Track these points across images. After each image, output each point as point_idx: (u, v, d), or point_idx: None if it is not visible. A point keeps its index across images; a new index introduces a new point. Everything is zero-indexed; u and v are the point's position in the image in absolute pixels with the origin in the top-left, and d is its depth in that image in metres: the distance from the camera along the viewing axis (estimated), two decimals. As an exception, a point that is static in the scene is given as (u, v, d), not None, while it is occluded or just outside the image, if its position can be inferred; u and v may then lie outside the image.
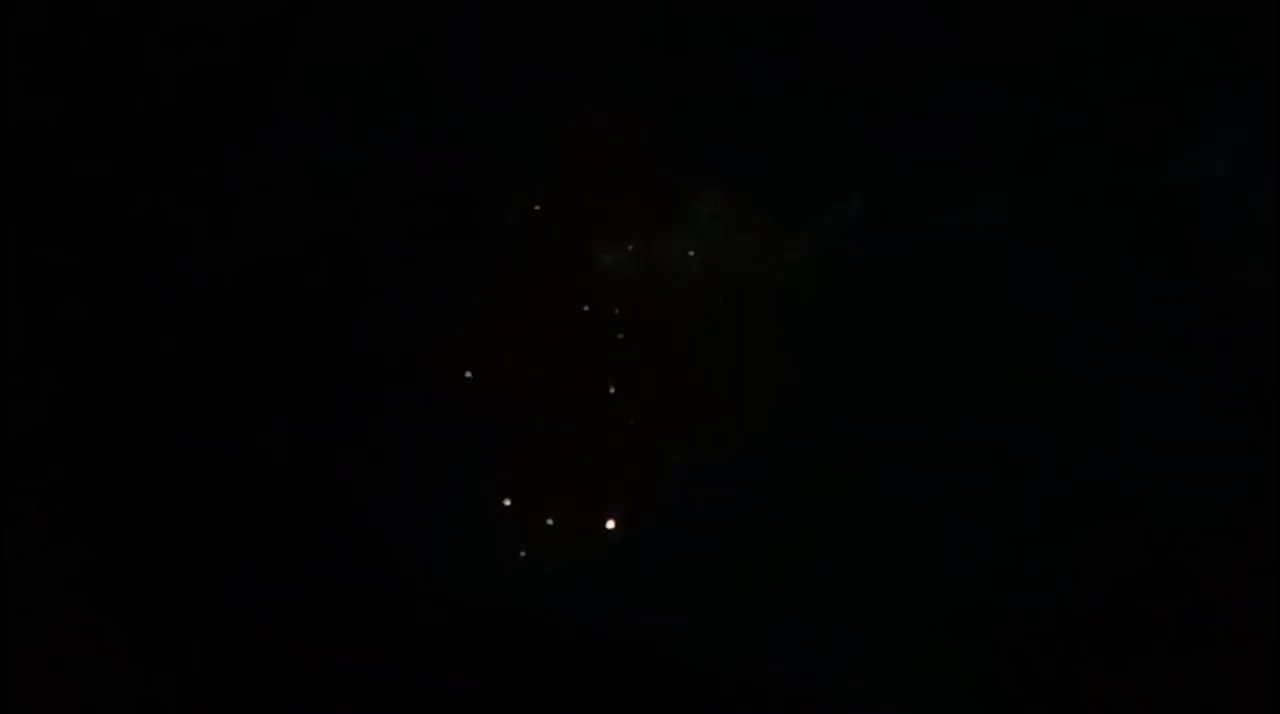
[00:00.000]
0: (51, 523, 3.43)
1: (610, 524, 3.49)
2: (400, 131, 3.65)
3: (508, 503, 3.50)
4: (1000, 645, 3.34)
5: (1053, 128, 3.63)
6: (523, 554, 3.47)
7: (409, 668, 3.39)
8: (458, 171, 3.64)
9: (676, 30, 3.71)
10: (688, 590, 3.41)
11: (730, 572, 3.43)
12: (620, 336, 3.60)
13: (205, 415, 3.52)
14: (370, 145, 3.64)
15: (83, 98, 3.62)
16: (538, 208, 3.67)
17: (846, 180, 3.63)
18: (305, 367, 3.58)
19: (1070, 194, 3.60)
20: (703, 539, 3.45)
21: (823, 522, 3.44)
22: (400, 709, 3.38)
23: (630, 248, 3.67)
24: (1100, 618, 3.34)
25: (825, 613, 3.36)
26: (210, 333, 3.57)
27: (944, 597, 3.37)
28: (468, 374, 3.57)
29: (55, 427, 3.49)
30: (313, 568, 3.44)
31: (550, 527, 3.49)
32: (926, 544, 3.40)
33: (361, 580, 3.44)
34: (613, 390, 3.56)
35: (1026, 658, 3.34)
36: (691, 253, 3.67)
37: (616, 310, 3.61)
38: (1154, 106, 3.61)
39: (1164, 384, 3.47)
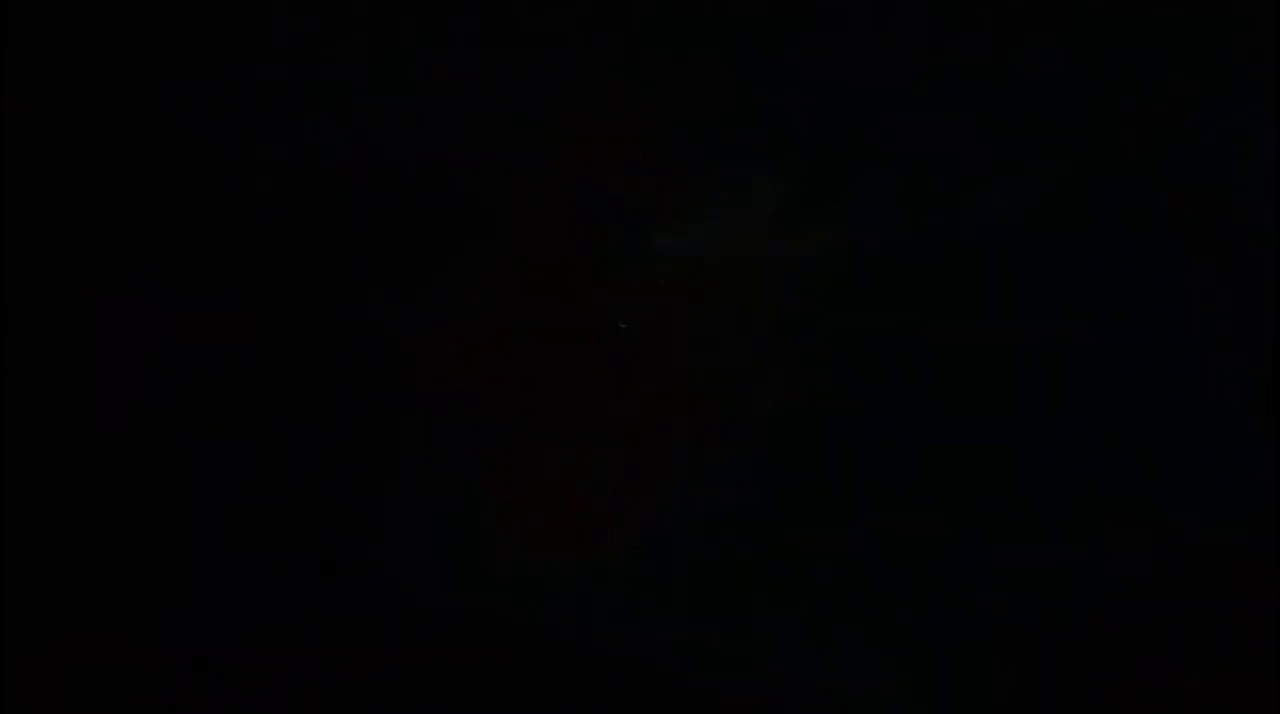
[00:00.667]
0: (45, 527, 3.44)
1: (609, 525, 3.48)
2: (399, 130, 3.66)
3: (506, 504, 3.50)
4: (1004, 649, 3.32)
5: (1058, 125, 3.62)
6: (520, 556, 3.46)
7: (405, 671, 3.39)
8: (456, 170, 3.65)
9: (676, 30, 3.71)
10: (687, 591, 3.40)
11: (730, 573, 3.42)
12: (619, 336, 3.59)
13: (191, 417, 3.52)
14: (369, 144, 3.65)
15: (74, 93, 3.63)
16: (536, 206, 3.67)
17: (851, 177, 3.62)
18: (304, 366, 3.58)
19: (1080, 191, 3.59)
20: (702, 540, 3.43)
21: (823, 522, 3.43)
22: (397, 712, 3.37)
23: (629, 248, 3.66)
24: (1111, 622, 3.31)
25: (825, 613, 3.35)
26: (203, 330, 3.57)
27: (947, 598, 3.35)
28: (465, 373, 3.56)
29: (48, 427, 3.50)
30: (307, 570, 3.43)
31: (549, 528, 3.48)
32: (930, 544, 3.39)
33: (357, 583, 3.44)
34: (612, 390, 3.55)
35: (1031, 661, 3.31)
36: (691, 253, 3.66)
37: (616, 310, 3.61)
38: (1159, 105, 3.60)
39: (1182, 381, 3.44)
